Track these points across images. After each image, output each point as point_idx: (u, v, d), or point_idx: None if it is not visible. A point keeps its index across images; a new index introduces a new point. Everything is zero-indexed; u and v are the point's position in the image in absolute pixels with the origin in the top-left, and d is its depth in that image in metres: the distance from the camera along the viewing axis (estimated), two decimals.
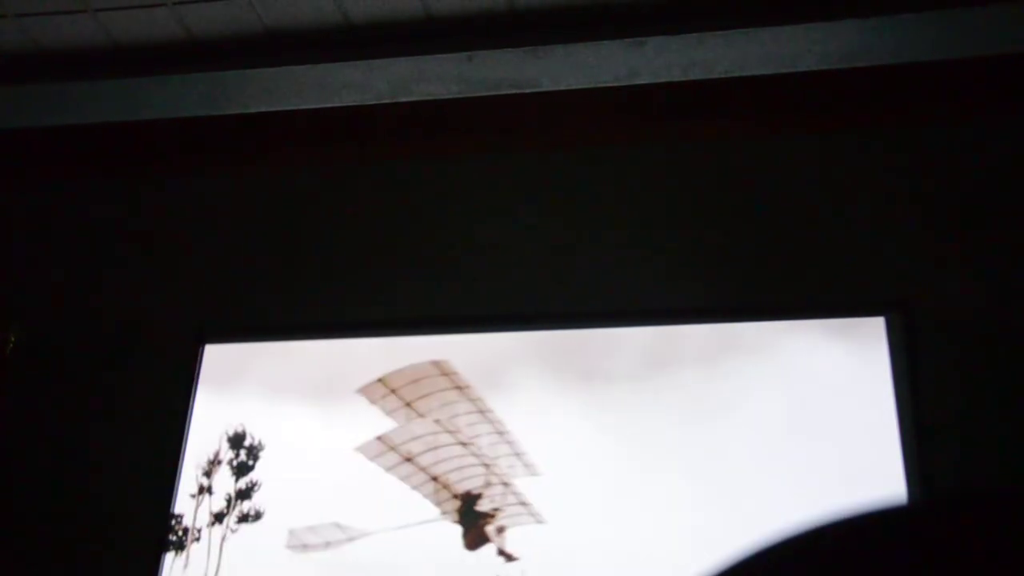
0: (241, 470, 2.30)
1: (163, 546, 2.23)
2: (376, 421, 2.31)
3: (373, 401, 2.33)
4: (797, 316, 2.23)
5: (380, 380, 2.35)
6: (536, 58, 2.29)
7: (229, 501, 2.27)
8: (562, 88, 2.37)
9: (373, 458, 2.27)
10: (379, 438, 2.30)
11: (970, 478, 2.00)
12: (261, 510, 2.26)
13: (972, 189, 2.28)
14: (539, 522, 2.16)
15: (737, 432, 2.13)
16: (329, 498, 2.23)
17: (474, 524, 2.20)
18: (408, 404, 2.32)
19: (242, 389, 2.41)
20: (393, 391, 2.34)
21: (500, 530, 2.18)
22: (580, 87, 2.37)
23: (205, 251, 2.58)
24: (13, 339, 2.48)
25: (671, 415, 2.18)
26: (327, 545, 2.19)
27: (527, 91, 2.39)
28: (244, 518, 2.25)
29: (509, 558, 2.15)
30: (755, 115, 2.47)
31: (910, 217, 2.28)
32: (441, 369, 2.33)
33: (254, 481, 2.29)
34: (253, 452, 2.31)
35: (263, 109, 2.49)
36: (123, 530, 2.27)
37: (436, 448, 2.29)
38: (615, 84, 2.35)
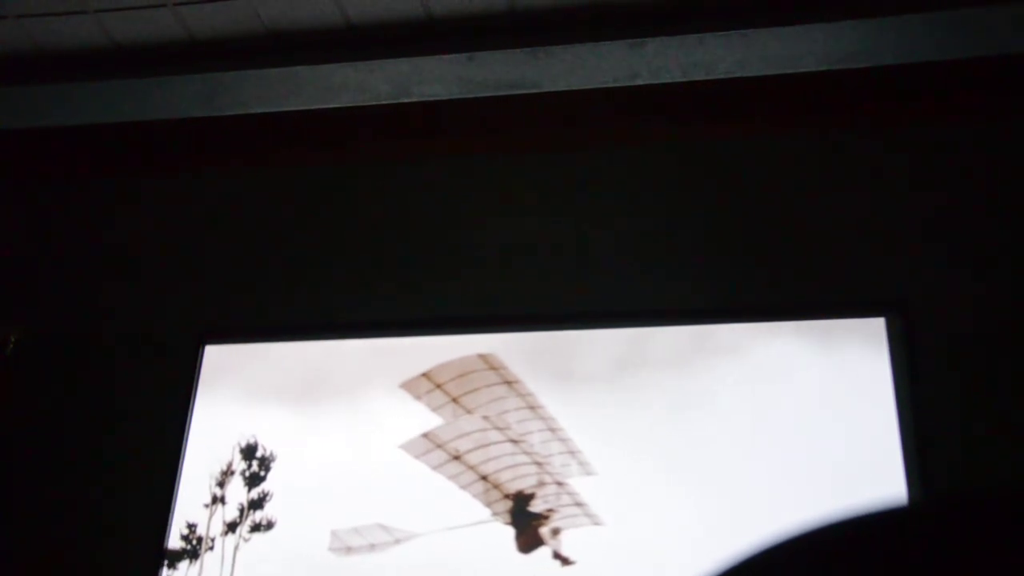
0: (253, 480, 2.27)
1: (163, 546, 2.23)
2: (385, 421, 2.27)
3: (417, 396, 2.25)
4: (797, 316, 2.24)
5: (425, 375, 2.27)
6: (536, 59, 2.29)
7: (242, 511, 2.25)
8: (562, 89, 2.37)
9: (418, 456, 2.19)
10: (425, 435, 2.21)
11: (970, 478, 2.00)
12: (273, 519, 2.23)
13: (972, 189, 2.29)
14: (596, 524, 2.08)
15: (736, 433, 2.13)
16: (347, 503, 2.19)
17: (527, 526, 2.11)
18: (455, 400, 2.24)
19: (242, 391, 2.40)
20: (439, 386, 2.26)
21: (555, 532, 2.10)
22: (580, 88, 2.37)
23: (206, 251, 2.58)
24: (13, 339, 2.48)
25: (672, 417, 2.18)
26: (372, 547, 2.13)
27: (527, 92, 2.39)
28: (256, 527, 2.23)
29: (565, 561, 2.06)
30: (755, 116, 2.47)
31: (910, 217, 2.28)
32: (489, 363, 2.26)
33: (266, 491, 2.26)
34: (265, 463, 2.29)
35: (263, 109, 2.49)
36: (124, 530, 2.27)
37: (485, 446, 2.19)
38: (615, 85, 2.35)
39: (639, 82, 2.34)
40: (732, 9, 2.21)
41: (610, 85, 2.35)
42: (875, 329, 2.18)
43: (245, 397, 2.38)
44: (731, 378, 2.18)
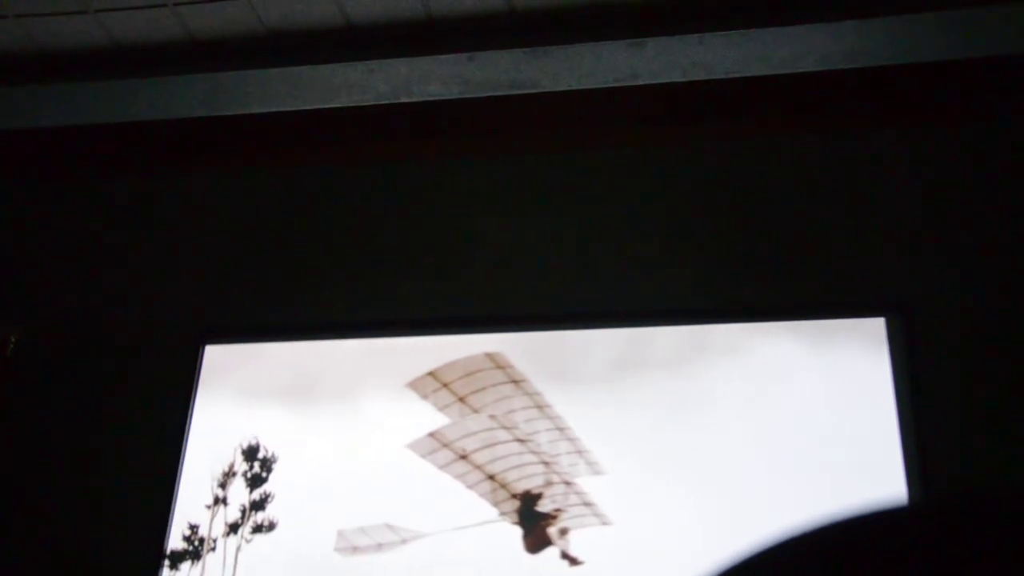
0: (255, 481, 2.27)
1: (164, 547, 2.23)
2: (386, 421, 2.26)
3: (424, 395, 2.23)
4: (797, 316, 2.23)
5: (431, 373, 2.25)
6: (536, 59, 2.29)
7: (244, 512, 2.25)
8: (562, 89, 2.37)
9: (425, 455, 2.17)
10: (431, 434, 2.19)
11: (970, 478, 2.00)
12: (275, 520, 2.23)
13: (972, 189, 2.29)
14: (605, 523, 2.07)
15: (736, 433, 2.13)
16: (349, 503, 2.18)
17: (535, 526, 2.10)
18: (461, 399, 2.23)
19: (242, 391, 2.40)
20: (445, 385, 2.24)
21: (563, 532, 2.08)
22: (580, 88, 2.37)
23: (205, 251, 2.58)
24: (14, 339, 2.48)
25: (672, 417, 2.17)
26: (379, 547, 2.12)
27: (527, 92, 2.39)
28: (258, 528, 2.23)
29: (573, 562, 2.05)
30: (756, 116, 2.47)
31: (910, 218, 2.28)
32: (496, 362, 2.24)
33: (268, 492, 2.26)
34: (266, 464, 2.29)
35: (263, 109, 2.49)
36: (124, 531, 2.27)
37: (492, 445, 2.18)
38: (615, 85, 2.35)
39: (639, 82, 2.34)
40: (732, 9, 2.21)
41: (610, 85, 2.35)
42: (875, 329, 2.18)
43: (245, 397, 2.38)
44: (731, 378, 2.18)
